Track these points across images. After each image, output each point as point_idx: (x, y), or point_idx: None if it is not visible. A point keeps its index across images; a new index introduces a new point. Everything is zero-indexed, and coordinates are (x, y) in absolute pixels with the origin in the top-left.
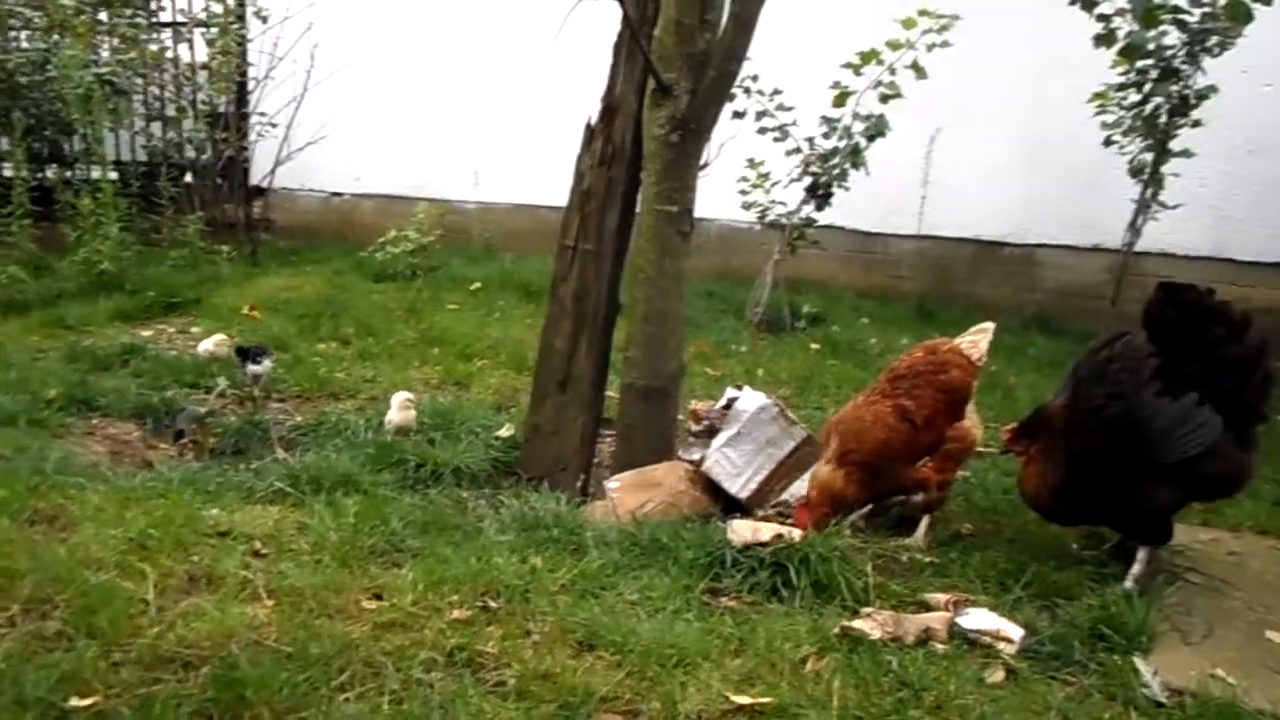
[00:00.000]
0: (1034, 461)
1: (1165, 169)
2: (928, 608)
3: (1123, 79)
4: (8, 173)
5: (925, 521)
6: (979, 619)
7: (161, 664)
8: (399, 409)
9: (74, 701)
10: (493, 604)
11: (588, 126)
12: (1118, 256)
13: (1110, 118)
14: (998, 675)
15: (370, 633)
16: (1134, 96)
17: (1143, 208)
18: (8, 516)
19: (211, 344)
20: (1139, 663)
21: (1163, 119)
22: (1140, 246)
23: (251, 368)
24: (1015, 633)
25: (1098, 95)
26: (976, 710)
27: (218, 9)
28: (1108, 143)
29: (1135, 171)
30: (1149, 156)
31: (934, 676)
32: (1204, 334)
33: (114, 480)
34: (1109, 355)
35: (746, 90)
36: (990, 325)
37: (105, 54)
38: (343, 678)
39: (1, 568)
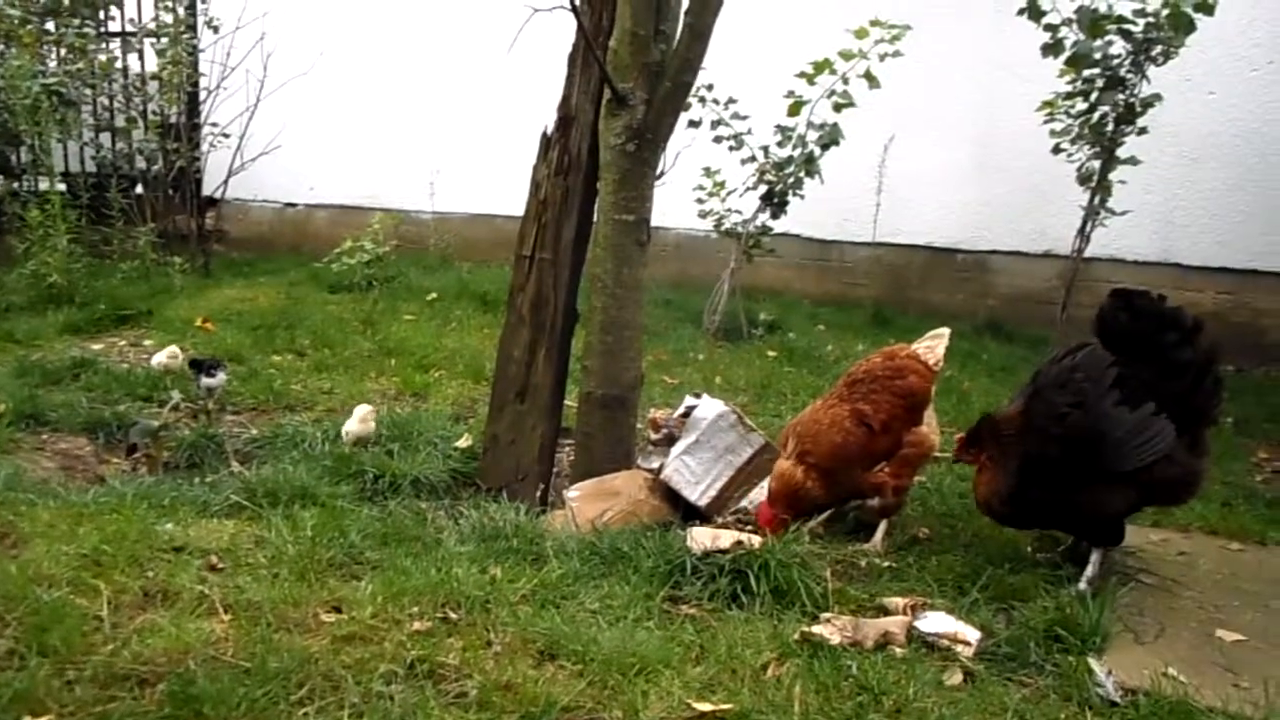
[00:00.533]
0: (985, 469)
1: (1113, 176)
2: (886, 612)
3: (1070, 87)
4: None
5: (883, 526)
6: (937, 622)
7: (117, 681)
8: (359, 421)
9: None
10: (453, 615)
11: (544, 136)
12: (1068, 262)
13: (1059, 125)
14: (956, 678)
15: (329, 646)
16: (1081, 105)
17: (1091, 214)
18: None
19: (164, 357)
20: (1093, 663)
21: (1109, 127)
22: (1089, 252)
23: (205, 381)
24: (972, 635)
25: (1046, 104)
26: (935, 713)
27: (168, 19)
28: (1056, 150)
29: (1084, 179)
30: (1097, 164)
31: (893, 680)
32: (1157, 339)
33: (66, 496)
34: (1073, 364)
35: (702, 100)
36: (946, 331)
37: (53, 64)
38: (302, 692)
39: None
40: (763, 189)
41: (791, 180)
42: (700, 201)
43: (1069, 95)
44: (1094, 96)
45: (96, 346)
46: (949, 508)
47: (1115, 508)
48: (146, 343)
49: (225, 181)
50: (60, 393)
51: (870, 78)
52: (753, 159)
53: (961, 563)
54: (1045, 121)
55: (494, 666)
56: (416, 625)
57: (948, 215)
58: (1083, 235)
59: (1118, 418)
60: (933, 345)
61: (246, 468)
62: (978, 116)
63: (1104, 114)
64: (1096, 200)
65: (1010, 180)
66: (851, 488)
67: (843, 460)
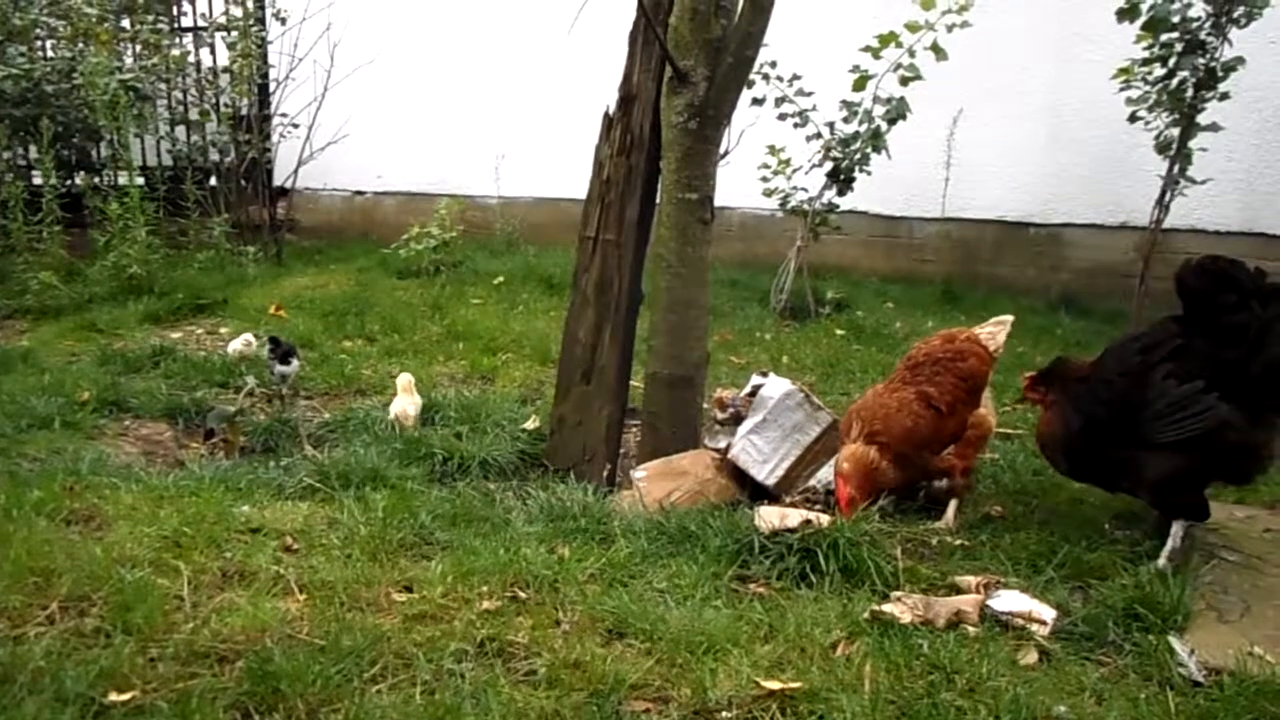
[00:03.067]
0: (1049, 410)
1: (1192, 144)
2: (958, 590)
3: (1147, 53)
4: (37, 180)
5: (953, 505)
6: (1010, 601)
7: (197, 659)
8: (402, 389)
9: (112, 696)
10: (522, 594)
11: (606, 116)
12: (1146, 234)
13: (1135, 93)
14: (1031, 657)
15: (401, 625)
16: (1159, 71)
17: (1170, 184)
18: (45, 517)
19: (240, 344)
20: (1175, 642)
21: (1189, 93)
22: (1168, 223)
23: (280, 368)
24: (1047, 614)
25: (1122, 71)
26: (1010, 692)
27: (237, 12)
28: (1133, 119)
29: (1162, 147)
30: (1175, 131)
31: (966, 659)
32: (1214, 301)
33: (147, 480)
34: (1138, 333)
35: (765, 77)
36: (1009, 318)
37: (129, 60)
38: (375, 669)
39: (40, 567)
40: (828, 166)
41: (858, 156)
42: (765, 180)
43: (1146, 61)
44: (1172, 61)
45: (175, 335)
46: (1022, 485)
47: (1160, 474)
48: (223, 330)
49: (295, 171)
50: (141, 380)
51: (937, 50)
52: (818, 135)
53: (1036, 540)
54: (1121, 89)
55: (563, 645)
56: (486, 604)
57: (1019, 188)
58: (1161, 205)
59: (1161, 390)
60: (994, 332)
61: (319, 451)
62: (1049, 86)
63: (1183, 79)
64: (1176, 169)
65: (1084, 151)
66: (921, 470)
67: (914, 443)
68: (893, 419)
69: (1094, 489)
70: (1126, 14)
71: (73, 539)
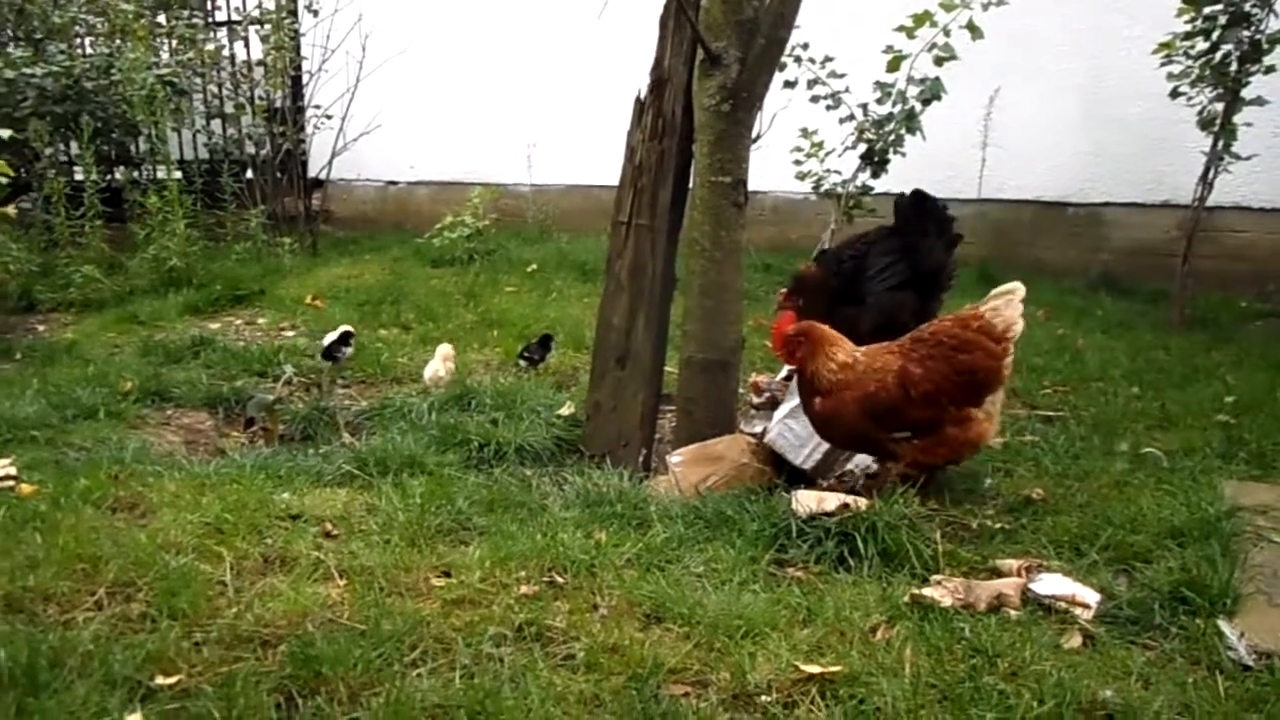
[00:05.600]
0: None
1: (1237, 119)
2: (999, 574)
3: (1189, 27)
4: (78, 176)
5: (886, 478)
6: (1053, 584)
7: (241, 643)
8: (441, 359)
9: (159, 679)
10: (559, 579)
11: (637, 101)
12: (1188, 212)
13: (1177, 68)
14: (1075, 641)
15: (440, 609)
16: (1202, 45)
17: (1214, 160)
18: (91, 504)
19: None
20: (1224, 626)
21: (1233, 66)
22: (1212, 200)
23: (345, 350)
24: (1091, 598)
25: (1164, 45)
26: (1054, 676)
27: (270, 5)
28: (1175, 94)
29: (1205, 123)
30: (1219, 106)
31: (1008, 643)
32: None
33: (189, 468)
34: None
35: (797, 59)
36: (1015, 285)
37: (165, 55)
38: (415, 654)
39: (87, 553)
40: (862, 148)
41: (892, 138)
42: (798, 163)
43: (1188, 35)
44: (1216, 35)
45: (214, 325)
46: (1063, 468)
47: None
48: (260, 321)
49: (329, 162)
50: (182, 370)
51: (973, 28)
52: (851, 118)
53: (1078, 523)
54: (1162, 64)
55: (601, 629)
56: (524, 589)
57: (1057, 168)
58: (1205, 182)
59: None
60: (998, 307)
61: (357, 438)
62: (1086, 63)
63: (1227, 53)
64: (1219, 145)
65: (1123, 128)
66: (864, 436)
67: (865, 409)
68: (864, 376)
69: (1136, 474)
70: None
71: (118, 526)
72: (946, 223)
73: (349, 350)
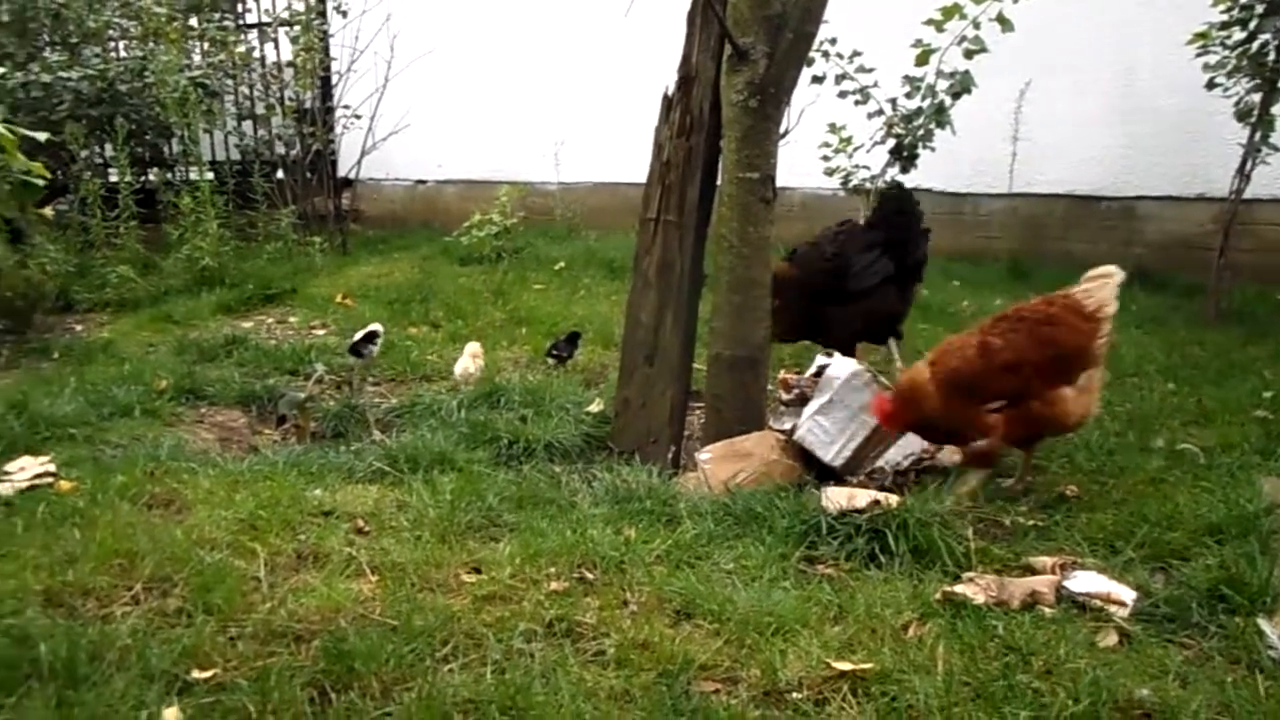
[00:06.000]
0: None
1: (1275, 109)
2: (1033, 571)
3: (1226, 16)
4: (113, 178)
5: (974, 478)
6: (1088, 582)
7: (275, 638)
8: (470, 356)
9: (195, 673)
10: (589, 575)
11: (665, 97)
12: (1225, 204)
13: (1213, 58)
14: (1110, 639)
15: (471, 605)
16: (1239, 34)
17: (1251, 152)
18: (128, 501)
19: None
20: (1263, 624)
21: (1271, 56)
22: (1249, 193)
23: (371, 348)
24: (1127, 595)
25: (1199, 36)
26: (1089, 674)
27: (300, 7)
28: (1211, 85)
29: (1242, 114)
30: (1257, 97)
31: (1042, 641)
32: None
33: (223, 465)
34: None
35: (825, 54)
36: (1113, 270)
37: (197, 58)
38: (446, 649)
39: (124, 549)
40: (891, 142)
41: (921, 132)
42: (826, 159)
43: (1224, 25)
44: (1253, 24)
45: (246, 324)
46: (1098, 464)
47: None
48: (291, 320)
49: (358, 162)
50: (215, 368)
51: (1003, 21)
52: (879, 112)
53: (1113, 521)
54: (1198, 55)
55: (631, 625)
56: (554, 585)
57: (1089, 161)
58: (1242, 175)
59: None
60: (1090, 289)
61: (387, 436)
62: (1119, 55)
63: (1264, 43)
64: (1257, 136)
65: (1157, 120)
66: (958, 418)
67: (956, 384)
68: (946, 355)
69: (1173, 470)
70: None
71: (154, 522)
72: (921, 218)
73: (375, 348)
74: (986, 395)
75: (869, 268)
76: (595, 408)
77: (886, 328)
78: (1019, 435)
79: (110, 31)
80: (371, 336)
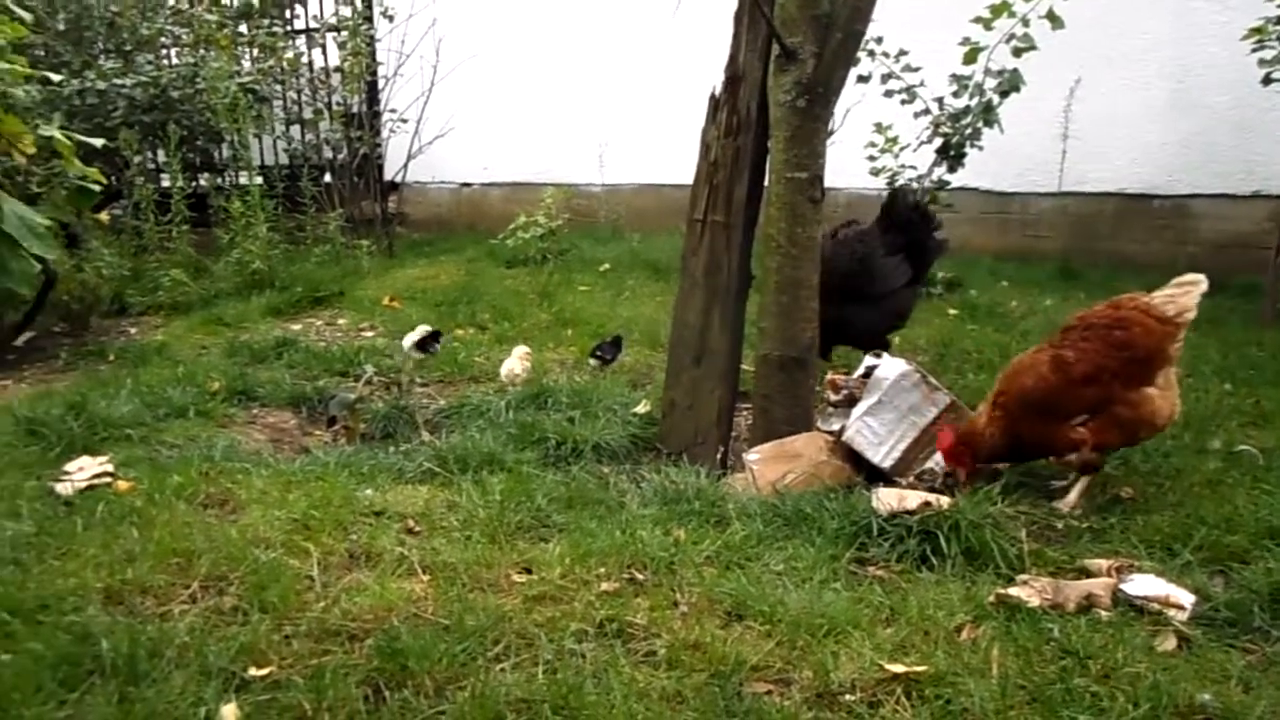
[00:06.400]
0: None
1: None
2: (1088, 574)
3: None
4: (165, 183)
5: (1081, 484)
6: (1145, 585)
7: (329, 636)
8: (518, 359)
9: (252, 671)
10: (639, 576)
11: (712, 98)
12: None
13: (1270, 53)
14: (1169, 643)
15: (522, 605)
16: None
17: None
18: (183, 500)
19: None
20: None
21: None
22: None
23: (435, 346)
24: (1186, 599)
25: (1255, 30)
26: (1149, 679)
27: (347, 12)
28: (1267, 80)
29: None
30: None
31: (1100, 644)
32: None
33: (276, 465)
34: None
35: (871, 53)
36: (1198, 277)
37: (247, 64)
38: (498, 648)
39: (181, 548)
40: (938, 142)
41: (969, 131)
42: (872, 159)
43: None
44: None
45: (296, 326)
46: (1154, 465)
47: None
48: (340, 322)
49: (405, 165)
50: (266, 370)
51: (1053, 18)
52: (926, 112)
53: (1170, 523)
54: (1254, 50)
55: (681, 626)
56: (604, 586)
57: (1141, 159)
58: None
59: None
60: (1174, 295)
61: (436, 437)
62: (1171, 51)
63: None
64: None
65: (1211, 117)
66: (1039, 440)
67: (1032, 406)
68: (1016, 378)
69: (1230, 472)
70: None
71: (210, 522)
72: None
73: (438, 346)
74: (1071, 411)
75: (894, 270)
76: (642, 409)
77: (902, 326)
78: (1112, 442)
79: (163, 39)
80: (435, 335)
